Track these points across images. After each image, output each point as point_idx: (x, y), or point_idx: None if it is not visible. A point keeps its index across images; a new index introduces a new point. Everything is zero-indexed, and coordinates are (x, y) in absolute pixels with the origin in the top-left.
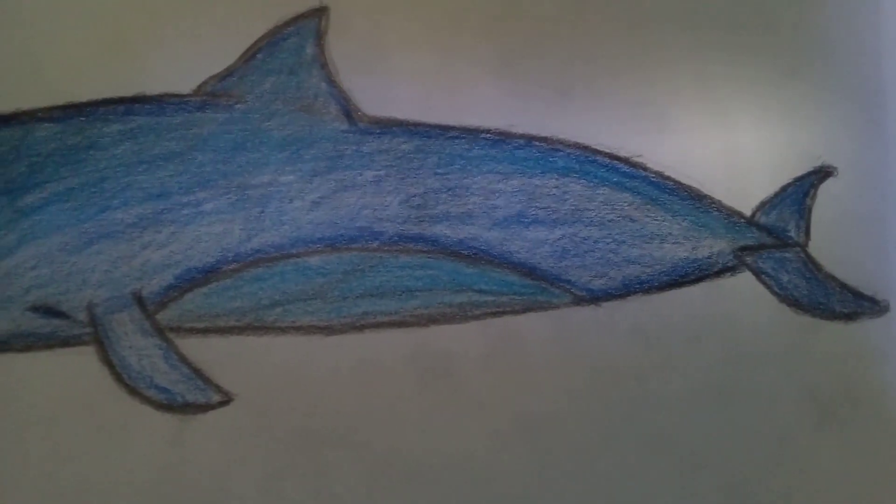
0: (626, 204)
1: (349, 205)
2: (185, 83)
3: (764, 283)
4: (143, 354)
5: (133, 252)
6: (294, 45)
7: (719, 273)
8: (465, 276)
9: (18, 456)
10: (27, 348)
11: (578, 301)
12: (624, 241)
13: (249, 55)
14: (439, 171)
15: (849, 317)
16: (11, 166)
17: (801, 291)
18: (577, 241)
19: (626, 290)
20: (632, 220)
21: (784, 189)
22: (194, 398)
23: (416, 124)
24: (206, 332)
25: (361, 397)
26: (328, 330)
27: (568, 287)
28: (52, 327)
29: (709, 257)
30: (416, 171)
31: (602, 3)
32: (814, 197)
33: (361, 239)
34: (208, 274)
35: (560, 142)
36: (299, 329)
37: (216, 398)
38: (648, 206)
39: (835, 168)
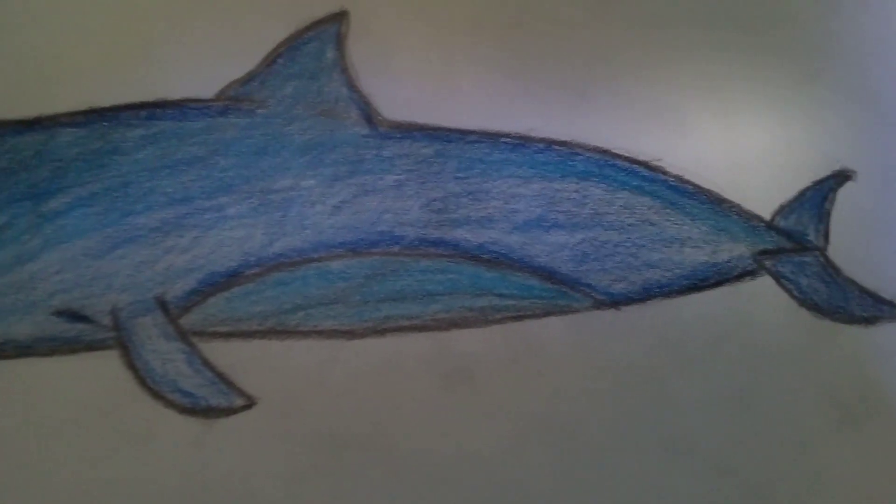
0: (645, 208)
1: (370, 209)
2: (206, 88)
3: (783, 286)
4: (167, 358)
5: (156, 256)
6: (314, 50)
7: (739, 277)
8: (485, 281)
9: (43, 459)
10: (51, 352)
11: (599, 305)
12: (644, 245)
13: (270, 60)
14: (459, 175)
15: (868, 320)
16: (35, 171)
17: (820, 295)
18: (597, 245)
19: (647, 294)
20: (651, 224)
21: (803, 193)
22: (218, 402)
23: (436, 128)
24: (229, 336)
25: (383, 401)
26: (350, 334)
27: (588, 291)
28: (76, 331)
29: (728, 261)
30: (436, 175)
31: (621, 6)
32: (833, 201)
33: (382, 243)
34: (231, 278)
35: (579, 146)
36: (321, 333)
37: (239, 402)
38: (668, 210)
39: (854, 172)
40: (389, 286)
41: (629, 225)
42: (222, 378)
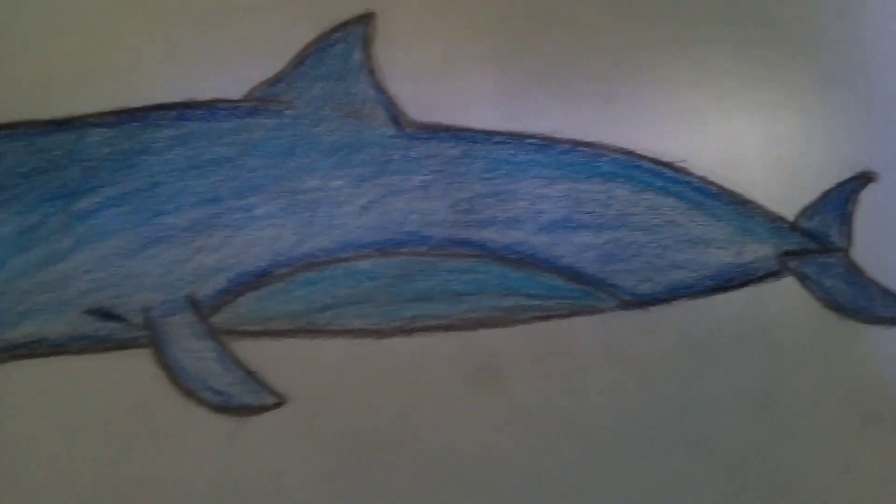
0: (670, 208)
1: (397, 209)
2: (235, 89)
3: (807, 287)
4: (198, 357)
5: (187, 256)
6: (342, 51)
7: (763, 278)
8: (512, 281)
9: (75, 457)
10: (83, 351)
11: (625, 305)
12: (669, 246)
13: (298, 61)
14: (486, 175)
15: (891, 321)
16: (65, 171)
17: (843, 296)
18: (622, 246)
19: (672, 294)
20: (676, 225)
21: (826, 194)
22: (248, 400)
23: (463, 129)
24: (259, 335)
25: (411, 400)
26: (378, 333)
27: (614, 291)
28: (107, 330)
29: (753, 262)
30: (462, 175)
31: (646, 9)
32: (855, 202)
33: (410, 243)
34: (261, 278)
35: (605, 147)
36: (350, 332)
37: (270, 400)
38: (693, 211)
39: (876, 174)
40: (417, 286)
41: (654, 226)
42: (253, 377)
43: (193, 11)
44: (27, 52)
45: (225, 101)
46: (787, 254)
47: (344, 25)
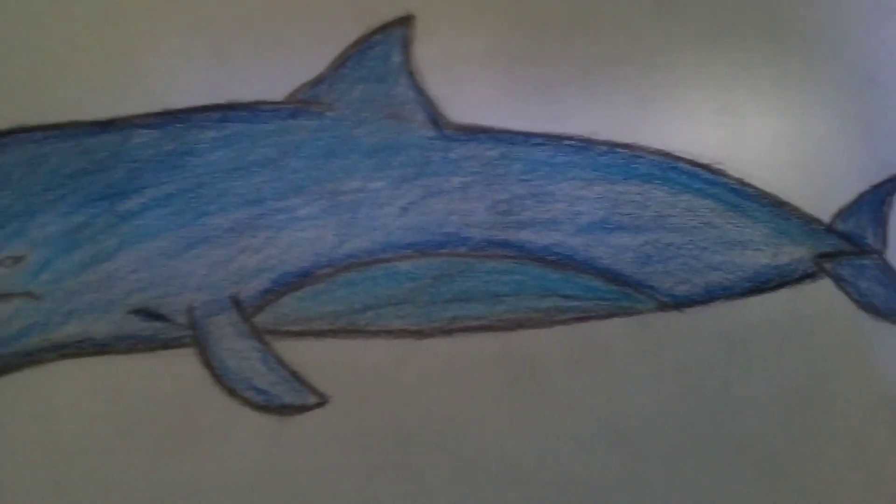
0: (707, 210)
1: (437, 210)
2: (277, 91)
3: (843, 289)
4: (242, 357)
5: (230, 256)
6: (381, 54)
7: (799, 279)
8: (550, 282)
9: (121, 455)
10: (129, 350)
11: (662, 307)
12: (706, 248)
13: (339, 63)
14: (524, 177)
15: None
16: (111, 172)
17: (878, 298)
18: (659, 248)
19: (709, 296)
20: (713, 227)
21: (861, 197)
22: (291, 400)
23: (501, 131)
24: (300, 334)
25: (451, 399)
26: (419, 333)
27: (651, 293)
28: (153, 330)
29: (789, 264)
30: (501, 177)
31: (683, 10)
32: (890, 204)
33: (449, 244)
34: (303, 278)
35: (642, 149)
36: (391, 332)
37: (312, 400)
38: (729, 213)
39: None
40: (457, 287)
41: (691, 227)
42: (295, 376)
43: (237, 14)
44: (73, 54)
45: (267, 102)
46: (823, 256)
47: (384, 28)
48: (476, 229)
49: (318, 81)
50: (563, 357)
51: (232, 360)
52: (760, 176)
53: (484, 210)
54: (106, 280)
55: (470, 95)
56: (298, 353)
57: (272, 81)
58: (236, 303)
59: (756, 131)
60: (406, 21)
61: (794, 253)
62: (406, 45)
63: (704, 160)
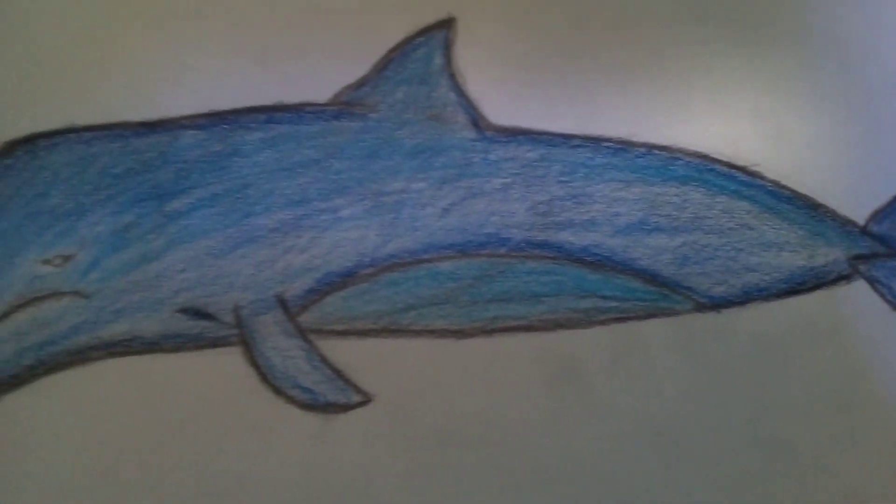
0: (744, 212)
1: (478, 211)
2: (321, 93)
3: (877, 291)
4: (287, 356)
5: (276, 256)
6: (423, 56)
7: (835, 281)
8: (589, 283)
9: (171, 451)
10: (176, 349)
11: (700, 308)
12: (742, 249)
13: (381, 66)
14: (563, 178)
15: None
16: (159, 172)
17: None
18: (697, 249)
19: (746, 297)
20: (750, 229)
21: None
22: (336, 398)
23: (541, 133)
24: (344, 334)
25: (492, 399)
26: (460, 333)
27: (689, 294)
28: (200, 329)
29: (824, 266)
30: (541, 178)
31: (720, 12)
32: None
33: (490, 245)
34: (346, 278)
35: (680, 150)
36: (432, 332)
37: (356, 398)
38: (766, 215)
39: None
40: (497, 287)
41: (728, 229)
42: (340, 375)
43: (282, 18)
44: (121, 55)
45: (312, 104)
46: (858, 257)
47: (425, 31)
48: (516, 230)
49: (361, 84)
50: (603, 357)
51: (277, 358)
52: (796, 178)
53: (524, 211)
54: (154, 279)
55: (510, 97)
56: (342, 352)
57: (316, 84)
58: (282, 302)
59: (792, 134)
60: (447, 24)
61: (829, 255)
62: (447, 48)
63: (741, 162)
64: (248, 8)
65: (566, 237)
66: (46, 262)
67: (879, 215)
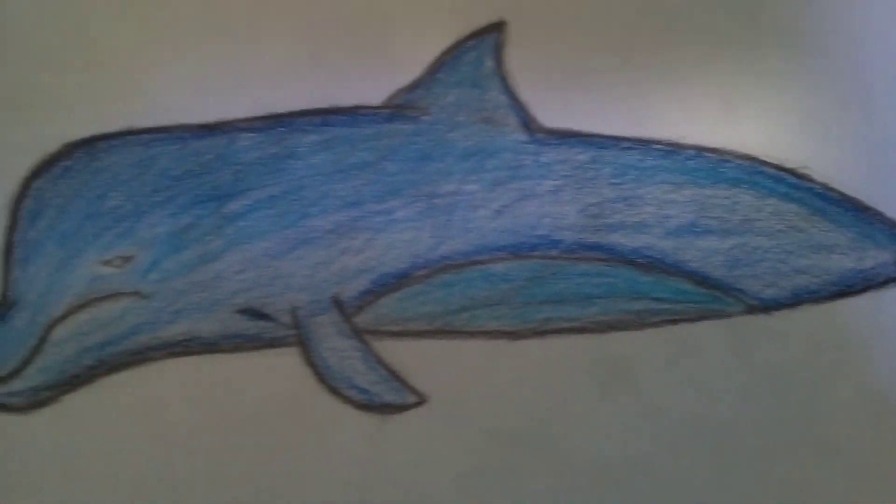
0: (793, 214)
1: (529, 213)
2: (375, 96)
3: None
4: (344, 356)
5: (331, 258)
6: (475, 59)
7: (884, 283)
8: (641, 284)
9: (227, 451)
10: (235, 349)
11: (751, 310)
12: (792, 252)
13: (434, 69)
14: (614, 181)
15: None
16: (217, 174)
17: None
18: (747, 251)
19: (796, 299)
20: (799, 231)
21: None
22: (391, 399)
23: (591, 135)
24: (399, 335)
25: (546, 401)
26: (513, 335)
27: (740, 296)
28: (257, 329)
29: (874, 268)
30: (591, 181)
31: (768, 16)
32: None
33: (542, 247)
34: (401, 279)
35: (729, 153)
36: (486, 333)
37: (411, 399)
38: (815, 217)
39: None
40: (549, 289)
41: (778, 231)
42: (395, 376)
43: (336, 22)
44: (180, 58)
45: (366, 107)
46: None
47: (477, 34)
48: (567, 232)
49: (414, 87)
50: (655, 359)
51: (334, 359)
52: (845, 180)
53: (575, 213)
54: (213, 280)
55: (560, 100)
56: (397, 352)
57: (370, 87)
58: (337, 303)
59: (841, 136)
60: (498, 27)
61: (878, 257)
62: (498, 51)
63: (790, 165)
64: (304, 12)
65: (617, 239)
66: (106, 263)
67: None
